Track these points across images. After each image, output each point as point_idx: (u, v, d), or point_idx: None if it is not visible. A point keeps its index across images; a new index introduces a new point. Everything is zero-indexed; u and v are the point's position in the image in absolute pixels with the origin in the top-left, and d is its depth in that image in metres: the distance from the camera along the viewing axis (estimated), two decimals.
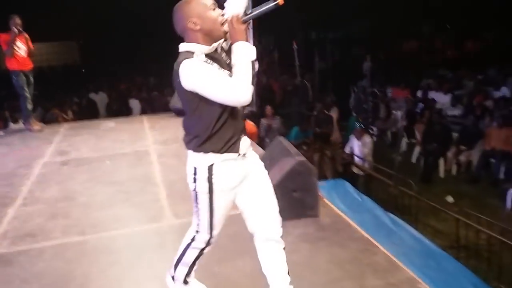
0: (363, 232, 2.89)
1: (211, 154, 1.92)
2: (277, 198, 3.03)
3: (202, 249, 2.20)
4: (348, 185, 4.98)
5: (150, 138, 5.73)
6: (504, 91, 10.57)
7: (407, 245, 3.40)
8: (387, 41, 24.44)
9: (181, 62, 1.84)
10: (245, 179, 2.06)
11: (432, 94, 10.68)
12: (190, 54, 1.86)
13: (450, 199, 7.01)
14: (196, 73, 1.81)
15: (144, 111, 9.83)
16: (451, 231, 5.92)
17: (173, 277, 2.25)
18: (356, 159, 6.98)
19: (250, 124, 6.70)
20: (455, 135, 8.32)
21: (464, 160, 7.97)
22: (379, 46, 21.97)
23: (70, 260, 2.78)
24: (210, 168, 1.93)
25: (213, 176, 1.94)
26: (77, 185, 4.11)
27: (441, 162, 7.98)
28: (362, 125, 7.49)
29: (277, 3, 1.82)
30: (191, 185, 2.01)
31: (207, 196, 1.98)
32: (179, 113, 6.72)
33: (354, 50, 20.85)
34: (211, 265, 2.61)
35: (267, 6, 1.86)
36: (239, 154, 1.98)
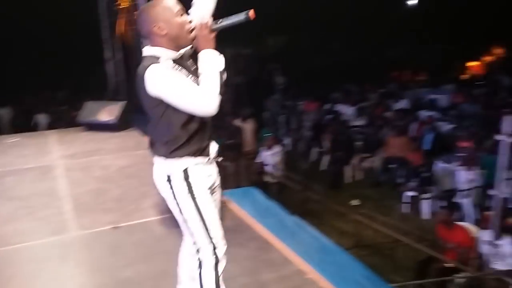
0: (261, 233, 3.09)
1: (185, 158, 1.86)
2: None
3: (216, 267, 1.98)
4: (258, 193, 5.19)
5: (57, 153, 5.56)
6: (403, 103, 11.59)
7: (307, 243, 3.65)
8: (300, 57, 25.61)
9: (147, 67, 1.77)
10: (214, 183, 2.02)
11: (339, 107, 11.39)
12: (155, 59, 1.81)
13: (355, 202, 7.51)
14: (163, 79, 1.75)
15: (52, 127, 9.42)
16: (356, 231, 6.38)
17: None
18: (268, 168, 7.26)
19: None
20: (359, 143, 8.95)
21: (367, 166, 8.60)
22: (293, 61, 22.95)
23: None
24: (185, 171, 1.87)
25: (189, 177, 1.87)
26: None
27: (347, 169, 8.54)
28: (273, 136, 7.81)
29: (248, 16, 1.83)
30: (168, 193, 1.94)
31: (188, 196, 1.89)
32: (87, 127, 6.60)
33: (270, 66, 21.59)
34: (114, 271, 2.66)
35: (238, 18, 1.85)
36: (209, 158, 1.94)
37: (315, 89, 14.46)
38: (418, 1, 24.52)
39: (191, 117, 1.83)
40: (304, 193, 6.37)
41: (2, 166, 5.03)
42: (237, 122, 8.79)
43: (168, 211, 3.33)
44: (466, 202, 6.29)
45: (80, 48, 15.53)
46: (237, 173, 8.34)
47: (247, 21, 1.85)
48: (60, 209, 3.71)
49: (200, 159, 1.89)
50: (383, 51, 26.20)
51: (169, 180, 1.90)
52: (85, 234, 3.20)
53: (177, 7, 1.88)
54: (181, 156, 1.86)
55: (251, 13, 1.83)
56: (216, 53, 1.82)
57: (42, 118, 10.20)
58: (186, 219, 1.94)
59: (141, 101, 1.89)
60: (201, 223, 1.92)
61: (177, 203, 1.93)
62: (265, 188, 7.33)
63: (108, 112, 6.52)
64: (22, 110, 11.50)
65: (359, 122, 10.40)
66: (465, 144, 7.54)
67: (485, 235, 4.52)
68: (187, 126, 1.85)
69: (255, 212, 4.23)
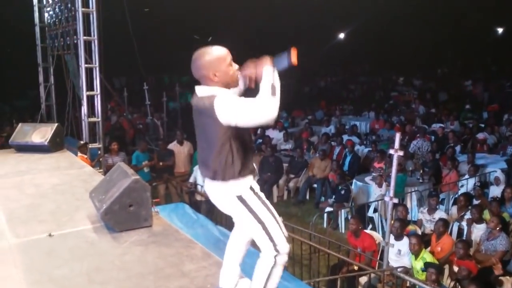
0: (187, 235, 3.49)
1: (248, 177, 2.26)
2: (115, 212, 3.50)
3: (277, 266, 2.32)
4: (187, 207, 5.56)
5: None
6: (330, 128, 12.51)
7: None
8: None
9: (212, 100, 2.11)
10: None
11: (269, 132, 12.06)
12: (213, 95, 2.15)
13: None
14: (230, 103, 2.09)
15: None
16: None
17: None
18: (198, 187, 7.64)
19: (83, 157, 6.93)
20: (285, 165, 9.59)
21: (293, 186, 9.23)
22: None
23: None
24: (251, 188, 2.26)
25: (255, 191, 2.27)
26: None
27: (275, 189, 9.12)
28: None
29: (291, 62, 2.12)
30: (241, 210, 2.24)
31: (254, 196, 2.25)
32: (19, 148, 6.65)
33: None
34: (50, 269, 2.93)
35: (283, 65, 2.14)
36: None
37: None
38: (345, 36, 26.36)
39: (245, 143, 2.25)
40: None
41: None
42: (173, 146, 9.12)
43: (99, 220, 3.66)
44: (376, 215, 7.03)
45: (13, 72, 15.27)
46: (169, 194, 8.65)
47: (290, 66, 2.14)
48: None
49: (252, 176, 2.31)
50: (315, 82, 27.78)
51: (241, 199, 2.23)
52: (21, 242, 3.41)
53: (229, 57, 2.26)
54: (245, 175, 2.24)
55: (294, 58, 2.12)
56: (268, 71, 2.12)
57: None
58: (258, 223, 2.25)
59: (202, 135, 2.27)
60: (274, 220, 2.28)
61: (252, 215, 2.23)
62: (196, 206, 7.70)
63: (40, 134, 6.63)
64: None
65: (287, 145, 11.10)
66: (378, 165, 8.41)
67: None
68: (244, 150, 2.24)
69: (184, 225, 4.62)
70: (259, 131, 12.26)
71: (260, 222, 2.23)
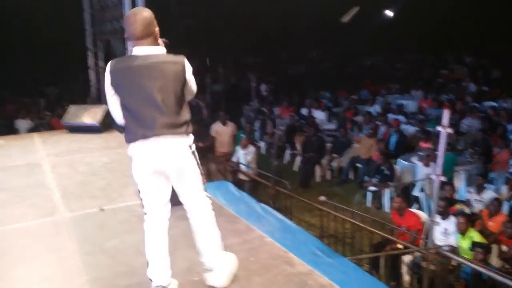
0: (230, 210, 3.57)
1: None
2: None
3: None
4: (230, 186, 5.67)
5: (42, 152, 5.92)
6: (376, 108, 12.26)
7: (272, 225, 4.14)
8: (278, 66, 26.30)
9: (181, 58, 2.35)
10: None
11: (313, 112, 11.98)
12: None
13: (322, 198, 8.03)
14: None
15: (32, 131, 9.69)
16: (321, 224, 6.88)
17: None
18: (242, 167, 7.74)
19: None
20: (328, 145, 9.51)
21: (336, 166, 9.16)
22: (271, 71, 23.65)
23: None
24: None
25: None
26: None
27: (317, 168, 9.08)
28: (247, 136, 8.30)
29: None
30: (191, 160, 2.44)
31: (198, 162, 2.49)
32: (71, 129, 6.97)
33: (249, 74, 22.28)
34: (102, 241, 3.09)
35: None
36: None
37: (291, 96, 15.08)
38: (395, 13, 25.48)
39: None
40: (275, 190, 6.84)
41: None
42: (216, 126, 9.25)
43: None
44: (422, 194, 6.88)
45: (65, 56, 15.89)
46: (210, 173, 8.82)
47: None
48: (50, 197, 4.11)
49: None
50: (359, 60, 27.16)
51: (192, 151, 2.43)
52: (74, 216, 3.62)
53: None
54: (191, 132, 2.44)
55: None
56: None
57: (22, 124, 10.47)
58: (201, 179, 2.51)
59: (165, 87, 2.30)
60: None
61: (196, 167, 2.47)
62: (239, 185, 7.81)
63: (91, 115, 6.91)
64: (2, 116, 11.76)
65: (330, 125, 10.99)
66: (425, 144, 8.19)
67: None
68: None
69: (228, 201, 4.70)
70: (303, 111, 12.21)
71: (202, 174, 2.51)
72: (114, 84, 2.36)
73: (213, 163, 8.83)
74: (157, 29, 2.35)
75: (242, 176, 7.75)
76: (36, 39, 18.41)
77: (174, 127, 2.33)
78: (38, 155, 5.81)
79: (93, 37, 9.92)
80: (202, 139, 8.85)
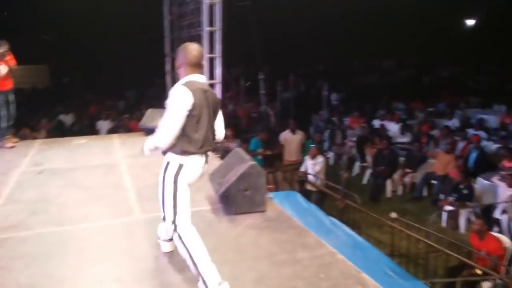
0: (300, 223, 3.49)
1: None
2: (232, 195, 3.64)
3: None
4: (299, 196, 5.58)
5: (120, 153, 6.20)
6: (454, 122, 11.63)
7: (341, 240, 4.00)
8: (349, 75, 25.83)
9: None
10: None
11: (385, 123, 11.59)
12: None
13: (393, 215, 7.70)
14: None
15: (112, 133, 10.20)
16: (392, 241, 6.59)
17: None
18: (310, 177, 7.62)
19: None
20: (401, 159, 9.13)
21: (409, 181, 8.76)
22: (342, 80, 23.27)
23: (50, 244, 3.24)
24: None
25: None
26: (53, 189, 4.54)
27: (389, 183, 8.74)
28: (317, 146, 8.18)
29: None
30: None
31: None
32: (148, 132, 7.24)
33: (319, 83, 22.11)
34: None
35: None
36: None
37: (362, 106, 14.71)
38: (476, 22, 24.15)
39: None
40: (343, 203, 6.66)
41: (73, 162, 5.70)
42: (285, 134, 9.22)
43: (217, 202, 3.84)
44: (504, 217, 6.38)
45: (142, 62, 16.72)
46: (277, 181, 8.79)
47: None
48: (125, 198, 4.27)
49: None
50: (436, 71, 25.99)
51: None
52: (147, 218, 3.72)
53: None
54: None
55: None
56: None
57: (103, 125, 11.08)
58: None
59: (213, 114, 2.80)
60: None
61: None
62: (306, 195, 7.70)
63: None
64: (84, 117, 12.53)
65: (404, 138, 10.56)
66: (509, 164, 7.61)
67: None
68: None
69: (296, 212, 4.63)
70: (375, 123, 11.85)
71: None
72: (194, 104, 2.63)
73: (280, 172, 8.80)
74: None
75: (309, 187, 7.64)
76: (118, 46, 19.58)
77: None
78: (116, 155, 6.09)
79: (171, 44, 10.28)
80: (270, 147, 8.85)
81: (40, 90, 20.26)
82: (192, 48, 2.75)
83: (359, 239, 4.19)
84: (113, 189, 4.55)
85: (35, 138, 10.15)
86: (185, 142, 2.68)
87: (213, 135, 2.83)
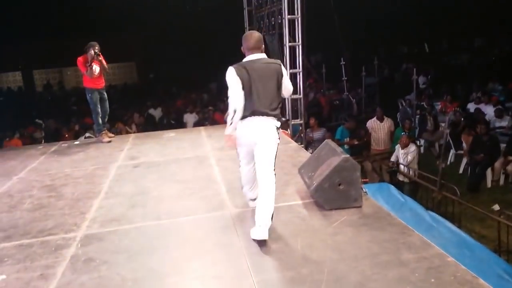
0: (400, 220, 3.27)
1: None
2: (325, 190, 3.51)
3: None
4: (392, 188, 5.31)
5: (208, 146, 6.31)
6: None
7: (445, 237, 3.72)
8: (437, 56, 24.26)
9: (279, 64, 3.40)
10: None
11: (481, 107, 10.72)
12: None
13: (496, 207, 7.09)
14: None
15: (198, 125, 10.47)
16: (495, 237, 6.06)
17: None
18: (401, 167, 7.24)
19: (285, 132, 7.21)
20: (502, 145, 8.37)
21: None
22: (429, 60, 21.91)
23: (151, 238, 3.34)
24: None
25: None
26: (149, 183, 4.71)
27: (489, 172, 8.07)
28: (408, 135, 7.74)
29: None
30: (274, 138, 3.33)
31: (278, 143, 3.37)
32: None
33: (404, 66, 21.01)
34: (264, 243, 3.08)
35: None
36: None
37: (454, 89, 13.75)
38: None
39: None
40: (441, 195, 6.24)
41: (165, 156, 5.90)
42: (372, 122, 8.86)
43: (308, 197, 3.72)
44: None
45: (225, 55, 17.10)
46: (366, 172, 8.48)
47: None
48: (217, 191, 4.31)
49: None
50: None
51: (277, 130, 3.34)
52: (240, 212, 3.71)
53: None
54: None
55: None
56: None
57: (190, 118, 11.41)
58: (274, 154, 3.35)
59: (270, 89, 3.31)
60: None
61: (275, 144, 3.34)
62: (398, 186, 7.33)
63: None
64: (172, 110, 13.00)
65: (503, 122, 9.68)
66: None
67: None
68: None
69: (391, 207, 4.40)
70: (470, 107, 11.00)
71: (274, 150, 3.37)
72: (243, 80, 3.26)
73: (368, 162, 8.48)
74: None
75: (401, 177, 7.27)
76: (201, 40, 20.08)
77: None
78: (205, 148, 6.21)
79: None
80: (356, 136, 8.54)
81: (130, 86, 21.45)
82: (250, 37, 3.38)
83: (465, 236, 3.87)
84: (205, 182, 4.61)
85: (128, 132, 10.78)
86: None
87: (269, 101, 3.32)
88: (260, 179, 3.28)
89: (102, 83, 6.90)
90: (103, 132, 7.07)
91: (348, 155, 3.52)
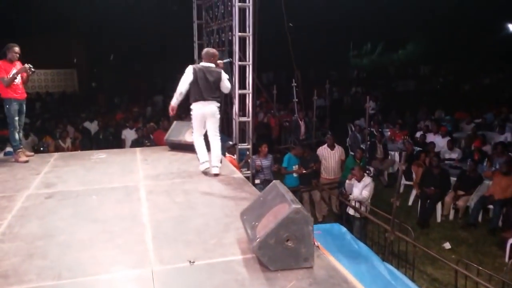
0: (356, 282, 2.70)
1: None
2: (271, 247, 2.88)
3: None
4: (344, 231, 4.80)
5: (141, 172, 5.53)
6: (506, 136, 10.56)
7: None
8: (385, 82, 24.70)
9: (220, 71, 5.13)
10: None
11: (431, 137, 10.61)
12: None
13: (447, 245, 6.81)
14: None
15: (136, 144, 9.59)
16: (447, 280, 5.71)
17: None
18: (352, 200, 6.77)
19: (231, 158, 6.63)
20: (453, 179, 8.16)
21: (462, 205, 7.80)
22: (376, 86, 22.20)
23: None
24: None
25: None
26: (59, 221, 3.89)
27: (439, 206, 7.81)
28: (361, 166, 7.31)
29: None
30: (216, 116, 5.18)
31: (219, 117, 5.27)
32: (173, 147, 6.59)
33: (353, 90, 21.11)
34: None
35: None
36: None
37: (403, 116, 13.73)
38: None
39: None
40: (391, 232, 5.80)
41: (87, 184, 5.05)
42: (322, 149, 8.42)
43: (250, 249, 3.09)
44: None
45: (171, 68, 16.31)
46: (314, 201, 7.99)
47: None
48: (141, 237, 3.56)
49: None
50: (477, 78, 24.56)
51: (219, 109, 5.19)
52: (164, 270, 3.00)
53: None
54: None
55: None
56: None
57: (129, 134, 10.50)
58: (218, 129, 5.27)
59: (209, 84, 5.05)
60: None
61: (217, 117, 5.20)
62: (348, 221, 6.88)
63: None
64: (110, 124, 12.02)
65: (453, 154, 9.57)
66: None
67: None
68: None
69: (345, 256, 3.86)
70: (418, 136, 10.85)
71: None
72: (194, 75, 5.04)
73: (318, 191, 8.00)
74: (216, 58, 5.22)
75: (351, 212, 6.80)
76: (149, 50, 19.17)
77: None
78: (137, 175, 5.42)
79: (199, 49, 9.80)
80: (304, 164, 8.01)
81: (69, 95, 20.04)
82: (206, 52, 5.21)
83: None
84: (128, 224, 3.85)
85: (59, 147, 9.74)
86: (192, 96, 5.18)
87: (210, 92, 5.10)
88: (211, 140, 5.23)
89: (23, 93, 5.99)
90: (20, 150, 6.12)
91: (299, 205, 2.91)
